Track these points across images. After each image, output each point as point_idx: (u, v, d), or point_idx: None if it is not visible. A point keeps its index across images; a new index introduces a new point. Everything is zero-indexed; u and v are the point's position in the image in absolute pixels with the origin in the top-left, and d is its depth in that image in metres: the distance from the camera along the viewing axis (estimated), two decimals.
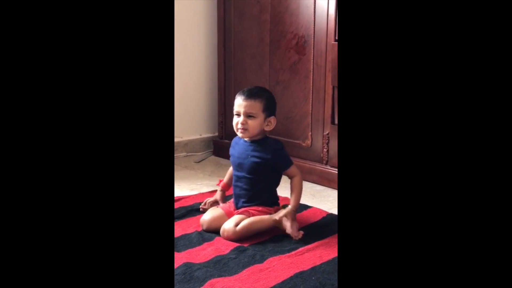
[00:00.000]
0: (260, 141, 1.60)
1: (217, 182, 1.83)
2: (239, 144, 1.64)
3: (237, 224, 1.51)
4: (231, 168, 1.74)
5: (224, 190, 1.77)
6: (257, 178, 1.58)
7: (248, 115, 1.55)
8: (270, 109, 1.59)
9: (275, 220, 1.54)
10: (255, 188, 1.58)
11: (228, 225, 1.52)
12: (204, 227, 1.56)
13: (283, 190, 1.73)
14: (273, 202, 1.64)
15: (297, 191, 1.58)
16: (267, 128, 1.59)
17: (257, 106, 1.55)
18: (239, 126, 1.56)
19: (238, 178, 1.62)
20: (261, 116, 1.56)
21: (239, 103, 1.56)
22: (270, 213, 1.58)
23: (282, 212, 1.54)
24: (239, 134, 1.59)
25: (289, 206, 1.56)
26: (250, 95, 1.56)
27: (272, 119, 1.59)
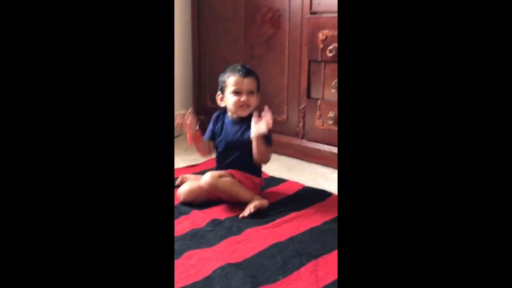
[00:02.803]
0: (247, 118, 1.59)
1: (193, 158, 1.80)
2: (227, 125, 1.63)
3: (221, 177, 1.53)
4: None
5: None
6: (250, 150, 1.56)
7: (250, 92, 1.57)
8: (259, 85, 1.63)
9: (253, 199, 1.52)
10: (247, 159, 1.57)
11: (213, 173, 1.53)
12: (181, 198, 1.56)
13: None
14: (258, 173, 1.65)
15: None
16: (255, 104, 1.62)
17: (255, 83, 1.60)
18: (241, 103, 1.56)
19: (229, 156, 1.61)
20: (255, 92, 1.60)
21: (238, 80, 1.56)
22: (255, 183, 1.61)
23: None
24: (241, 111, 1.58)
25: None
26: (248, 72, 1.58)
27: (259, 95, 1.63)
